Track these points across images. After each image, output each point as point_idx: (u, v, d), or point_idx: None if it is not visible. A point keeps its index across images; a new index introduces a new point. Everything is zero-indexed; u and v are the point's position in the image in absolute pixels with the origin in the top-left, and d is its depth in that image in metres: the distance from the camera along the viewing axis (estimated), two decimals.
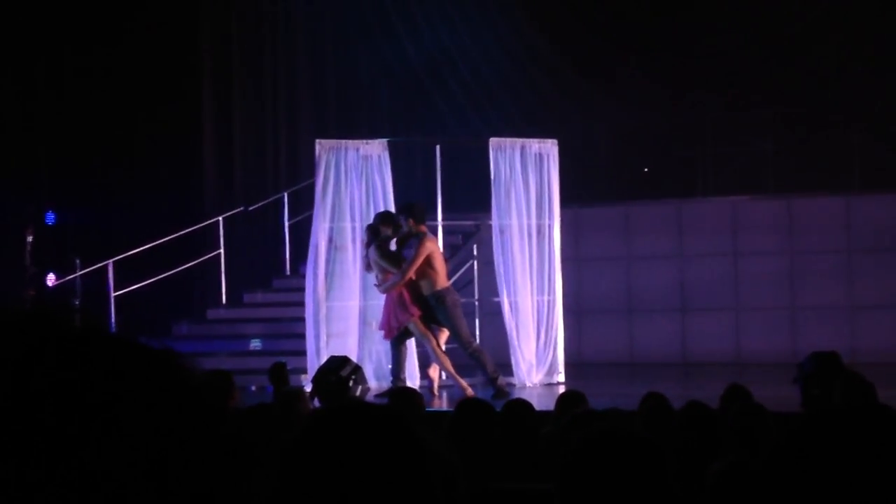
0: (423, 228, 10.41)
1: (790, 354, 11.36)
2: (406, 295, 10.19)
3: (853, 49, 14.26)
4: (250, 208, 14.12)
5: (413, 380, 10.84)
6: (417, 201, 10.76)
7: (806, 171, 14.16)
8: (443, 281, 10.32)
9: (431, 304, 10.23)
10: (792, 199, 13.63)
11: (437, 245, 10.54)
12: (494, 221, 11.72)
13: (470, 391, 9.85)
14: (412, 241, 10.40)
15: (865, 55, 14.28)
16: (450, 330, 10.31)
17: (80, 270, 12.47)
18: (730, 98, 14.51)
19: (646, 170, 15.21)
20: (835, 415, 1.35)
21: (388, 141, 11.81)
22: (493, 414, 5.14)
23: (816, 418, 1.33)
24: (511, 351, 11.54)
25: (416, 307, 10.21)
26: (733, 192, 13.90)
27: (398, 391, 6.59)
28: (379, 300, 11.42)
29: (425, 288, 10.22)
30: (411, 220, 10.33)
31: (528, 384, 11.31)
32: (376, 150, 11.57)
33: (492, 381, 10.30)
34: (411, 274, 10.16)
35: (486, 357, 10.34)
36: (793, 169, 14.25)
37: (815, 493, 1.29)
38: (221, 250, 13.32)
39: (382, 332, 10.53)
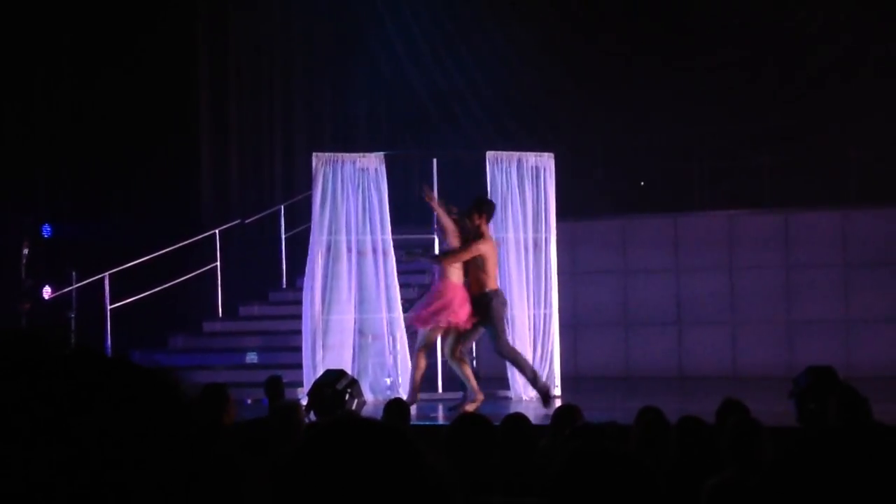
0: (486, 230, 10.33)
1: (786, 368, 11.37)
2: (468, 300, 10.14)
3: (851, 63, 14.31)
4: (247, 221, 14.12)
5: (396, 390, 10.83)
6: (491, 201, 10.66)
7: (803, 185, 14.18)
8: (492, 283, 10.23)
9: (478, 305, 10.18)
10: (788, 214, 13.64)
11: (493, 249, 10.41)
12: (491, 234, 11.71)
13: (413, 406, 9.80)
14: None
15: (863, 69, 14.32)
16: (492, 331, 10.20)
17: (77, 283, 12.45)
18: (727, 112, 14.54)
19: (642, 183, 15.23)
20: (829, 434, 1.36)
21: (385, 154, 11.82)
22: (491, 428, 5.13)
23: (812, 437, 1.34)
24: (507, 364, 11.53)
25: (471, 317, 10.14)
26: (730, 206, 13.91)
27: (394, 404, 6.58)
28: (376, 314, 11.42)
29: (473, 288, 10.17)
30: (484, 217, 10.22)
31: (525, 398, 11.30)
32: (373, 162, 11.58)
33: (533, 383, 10.28)
34: (449, 262, 10.16)
35: (524, 360, 10.29)
36: (790, 183, 14.28)
37: None
38: (218, 263, 13.31)
39: (414, 317, 10.41)
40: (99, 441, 0.90)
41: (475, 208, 10.35)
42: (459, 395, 11.30)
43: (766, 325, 13.20)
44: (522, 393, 11.40)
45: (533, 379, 10.36)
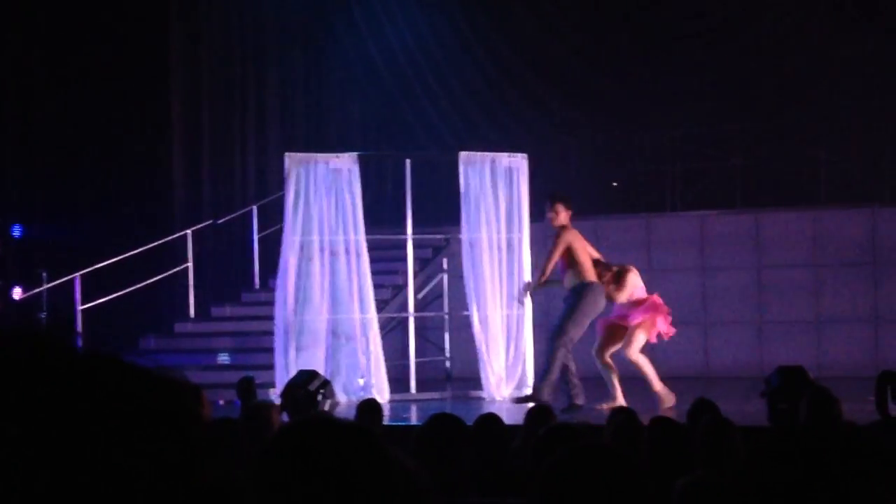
0: (566, 221, 10.17)
1: (757, 368, 11.42)
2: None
3: (820, 66, 14.40)
4: (219, 221, 14.06)
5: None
6: (564, 193, 10.49)
7: (773, 187, 14.26)
8: (589, 275, 10.04)
9: (570, 294, 9.99)
10: (759, 215, 13.72)
11: (580, 238, 10.25)
12: (464, 235, 11.73)
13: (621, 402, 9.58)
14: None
15: (832, 72, 14.42)
16: (563, 320, 10.03)
17: (47, 284, 12.37)
18: (699, 114, 14.61)
19: (615, 184, 15.28)
20: (800, 434, 1.36)
21: (359, 154, 11.80)
22: (463, 428, 5.13)
23: (782, 437, 1.34)
24: (480, 365, 11.55)
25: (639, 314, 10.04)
26: (701, 207, 13.98)
27: (366, 404, 6.56)
28: (349, 315, 11.40)
29: (568, 281, 10.00)
30: (560, 209, 10.07)
31: (498, 398, 11.31)
32: (346, 163, 11.56)
33: (536, 389, 10.12)
34: (547, 268, 10.09)
35: (557, 367, 10.03)
36: (760, 184, 14.35)
37: None
38: (190, 264, 13.25)
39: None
40: (89, 433, 0.90)
41: (550, 204, 10.17)
42: (436, 394, 11.34)
43: (737, 325, 13.27)
44: (495, 393, 11.41)
45: (537, 389, 10.20)
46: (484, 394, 11.45)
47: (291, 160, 11.50)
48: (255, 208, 13.97)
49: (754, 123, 14.39)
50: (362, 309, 11.42)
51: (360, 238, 11.46)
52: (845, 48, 14.31)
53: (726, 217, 13.80)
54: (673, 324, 10.18)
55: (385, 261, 13.01)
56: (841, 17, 14.37)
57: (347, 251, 11.42)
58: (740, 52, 14.68)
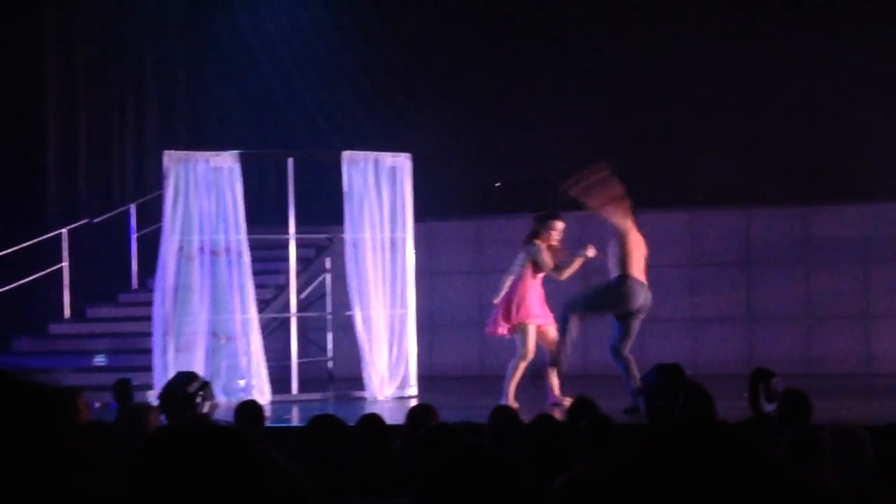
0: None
1: (636, 366, 11.61)
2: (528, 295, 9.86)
3: (697, 68, 14.72)
4: (96, 220, 13.75)
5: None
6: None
7: (651, 187, 14.53)
8: (627, 268, 9.73)
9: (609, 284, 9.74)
10: (639, 215, 13.96)
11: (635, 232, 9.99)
12: (347, 235, 11.69)
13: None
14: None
15: (706, 76, 14.75)
16: (586, 296, 9.87)
17: None
18: (581, 115, 14.81)
19: (497, 184, 15.39)
20: (674, 431, 1.38)
21: (240, 153, 11.66)
22: (345, 429, 5.10)
23: (657, 434, 1.36)
24: (363, 365, 11.52)
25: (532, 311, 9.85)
26: (581, 207, 14.15)
27: (245, 406, 6.48)
28: (229, 315, 11.25)
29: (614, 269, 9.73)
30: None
31: (381, 398, 11.30)
32: (227, 161, 11.41)
33: (553, 363, 9.86)
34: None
35: (569, 350, 9.86)
36: (639, 185, 14.60)
37: None
38: (65, 263, 12.94)
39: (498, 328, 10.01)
40: None
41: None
42: (318, 395, 11.27)
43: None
44: (378, 393, 11.40)
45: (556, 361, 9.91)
46: (366, 394, 11.43)
47: (170, 158, 11.31)
48: (133, 207, 13.70)
49: (634, 125, 14.65)
50: (243, 309, 11.29)
51: (242, 237, 11.33)
52: (723, 51, 14.67)
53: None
54: (556, 323, 10.21)
55: (267, 260, 12.88)
56: (719, 20, 14.72)
57: (228, 250, 11.28)
58: (621, 54, 14.92)
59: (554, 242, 10.01)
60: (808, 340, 13.29)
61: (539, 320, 9.93)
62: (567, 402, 9.13)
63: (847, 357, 13.04)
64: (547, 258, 9.89)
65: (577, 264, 10.04)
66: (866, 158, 14.40)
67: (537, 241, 9.94)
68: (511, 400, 9.63)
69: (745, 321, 13.56)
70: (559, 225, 10.05)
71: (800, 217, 13.51)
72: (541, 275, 10.02)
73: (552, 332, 9.98)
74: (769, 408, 6.47)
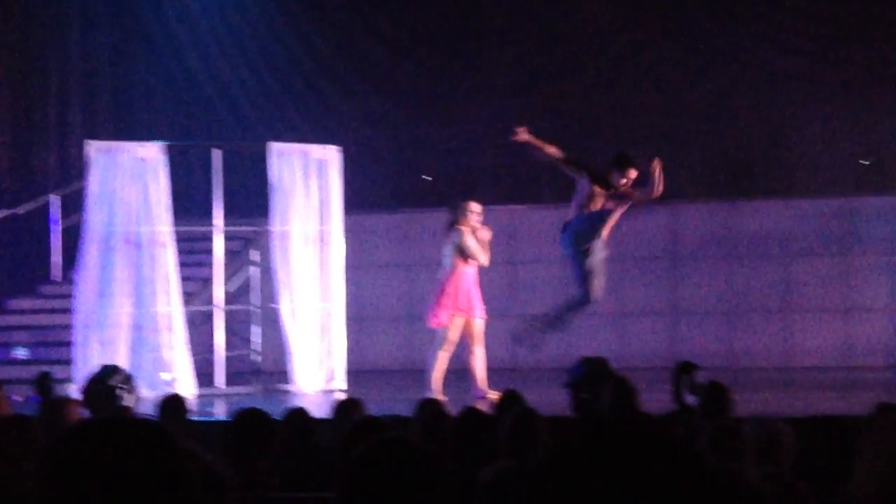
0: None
1: (563, 360, 11.70)
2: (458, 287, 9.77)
3: (625, 66, 14.86)
4: (18, 211, 13.50)
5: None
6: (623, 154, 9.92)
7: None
8: None
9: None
10: (566, 209, 14.05)
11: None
12: (275, 227, 11.61)
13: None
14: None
15: (635, 72, 14.89)
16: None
17: None
18: (510, 109, 14.85)
19: (427, 178, 15.39)
20: (598, 424, 1.39)
21: (166, 144, 11.52)
22: (271, 422, 5.07)
23: (582, 427, 1.37)
24: (290, 358, 11.46)
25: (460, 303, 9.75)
26: (510, 201, 14.22)
27: (169, 400, 6.41)
28: (154, 308, 11.12)
29: None
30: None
31: (308, 391, 11.25)
32: (152, 153, 11.27)
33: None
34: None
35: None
36: (568, 180, 14.70)
37: (580, 501, 1.31)
38: None
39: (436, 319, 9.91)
40: None
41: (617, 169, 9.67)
42: (244, 389, 11.17)
43: None
44: (305, 387, 11.35)
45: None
46: (293, 388, 11.37)
47: (94, 148, 11.15)
48: (55, 197, 13.46)
49: (561, 121, 14.73)
50: (168, 302, 11.17)
51: (167, 229, 11.20)
52: (649, 50, 14.81)
53: (535, 212, 14.10)
54: (474, 326, 10.17)
55: (193, 253, 12.75)
56: (644, 18, 14.86)
57: (153, 243, 11.14)
58: (550, 49, 15.00)
59: (475, 225, 9.99)
60: (731, 334, 13.49)
61: (465, 313, 9.92)
62: (493, 395, 9.18)
63: (769, 351, 13.27)
64: (471, 242, 9.87)
65: (485, 241, 9.97)
66: (788, 156, 14.66)
67: (459, 227, 9.91)
68: (438, 391, 9.65)
69: (670, 315, 13.73)
70: (475, 206, 10.01)
71: (724, 213, 13.71)
72: (473, 263, 9.98)
73: (478, 325, 9.99)
74: (692, 401, 6.55)
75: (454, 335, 9.88)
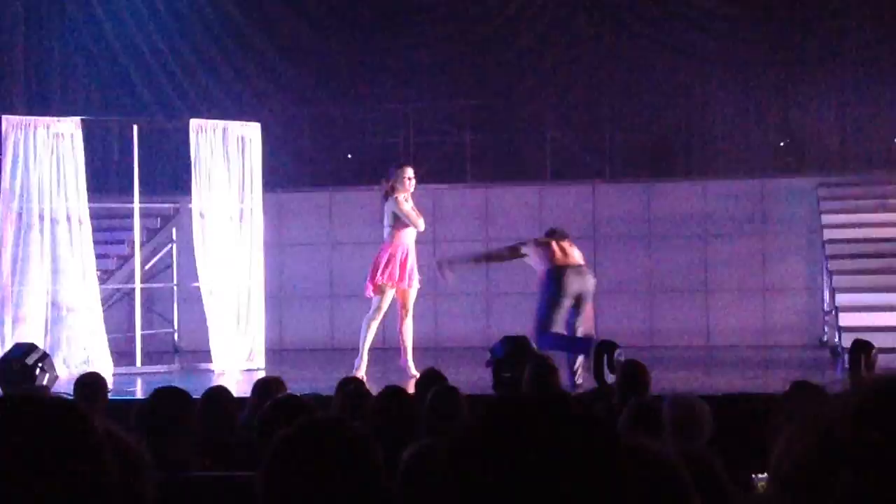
0: None
1: (484, 338, 11.76)
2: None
3: (546, 47, 14.92)
4: None
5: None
6: None
7: (502, 162, 14.70)
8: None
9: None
10: (489, 189, 14.11)
11: None
12: (195, 205, 11.47)
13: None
14: None
15: (556, 53, 14.97)
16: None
17: None
18: (432, 88, 14.84)
19: (349, 156, 15.32)
20: (518, 402, 1.39)
21: (82, 119, 11.31)
22: (189, 401, 5.02)
23: (499, 404, 1.37)
24: (210, 336, 11.36)
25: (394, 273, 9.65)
26: (434, 181, 14.21)
27: (86, 378, 6.31)
28: (71, 285, 10.94)
29: None
30: None
31: (228, 370, 11.17)
32: (68, 128, 11.06)
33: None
34: None
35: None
36: (490, 160, 14.76)
37: (498, 477, 1.31)
38: None
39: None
40: None
41: None
42: (163, 367, 11.05)
43: (466, 296, 13.60)
44: (224, 365, 11.26)
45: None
46: (213, 366, 11.27)
47: (8, 123, 10.92)
48: None
49: (485, 99, 14.77)
50: (84, 279, 10.99)
51: (83, 206, 11.01)
52: (574, 31, 14.90)
53: (457, 191, 14.12)
54: (409, 295, 10.18)
55: (111, 230, 12.56)
56: (571, 1, 14.94)
57: (69, 219, 10.95)
58: (472, 28, 15.01)
59: (411, 189, 9.95)
60: (650, 313, 13.66)
61: (398, 283, 9.88)
62: (413, 371, 9.24)
63: (687, 329, 13.46)
64: (407, 208, 9.83)
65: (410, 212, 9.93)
66: (707, 137, 14.86)
67: (394, 196, 9.84)
68: (363, 359, 9.67)
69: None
70: (410, 172, 9.97)
71: (643, 193, 13.85)
72: (410, 231, 9.91)
73: (412, 294, 9.98)
74: (612, 379, 6.63)
75: (384, 304, 9.86)
